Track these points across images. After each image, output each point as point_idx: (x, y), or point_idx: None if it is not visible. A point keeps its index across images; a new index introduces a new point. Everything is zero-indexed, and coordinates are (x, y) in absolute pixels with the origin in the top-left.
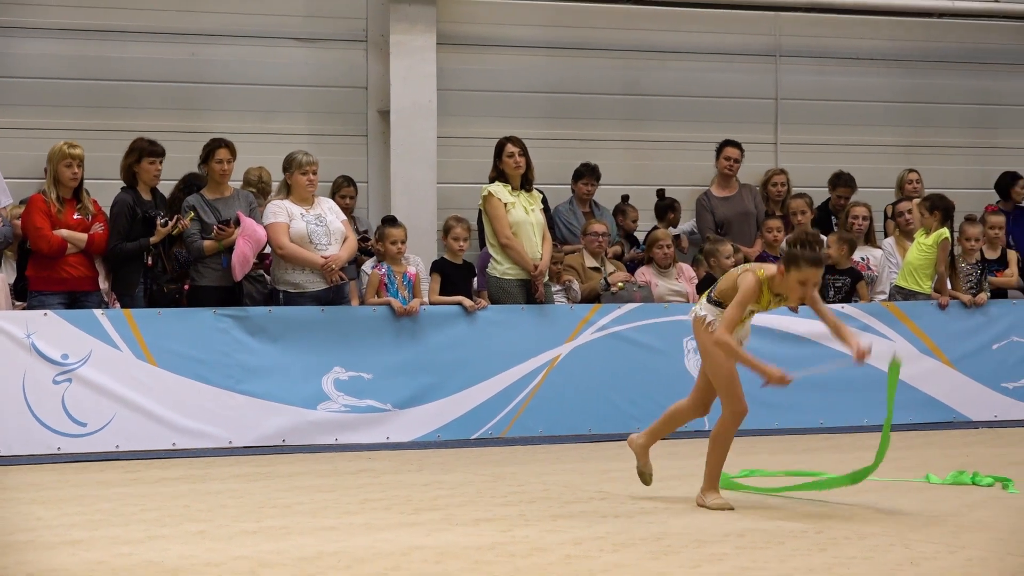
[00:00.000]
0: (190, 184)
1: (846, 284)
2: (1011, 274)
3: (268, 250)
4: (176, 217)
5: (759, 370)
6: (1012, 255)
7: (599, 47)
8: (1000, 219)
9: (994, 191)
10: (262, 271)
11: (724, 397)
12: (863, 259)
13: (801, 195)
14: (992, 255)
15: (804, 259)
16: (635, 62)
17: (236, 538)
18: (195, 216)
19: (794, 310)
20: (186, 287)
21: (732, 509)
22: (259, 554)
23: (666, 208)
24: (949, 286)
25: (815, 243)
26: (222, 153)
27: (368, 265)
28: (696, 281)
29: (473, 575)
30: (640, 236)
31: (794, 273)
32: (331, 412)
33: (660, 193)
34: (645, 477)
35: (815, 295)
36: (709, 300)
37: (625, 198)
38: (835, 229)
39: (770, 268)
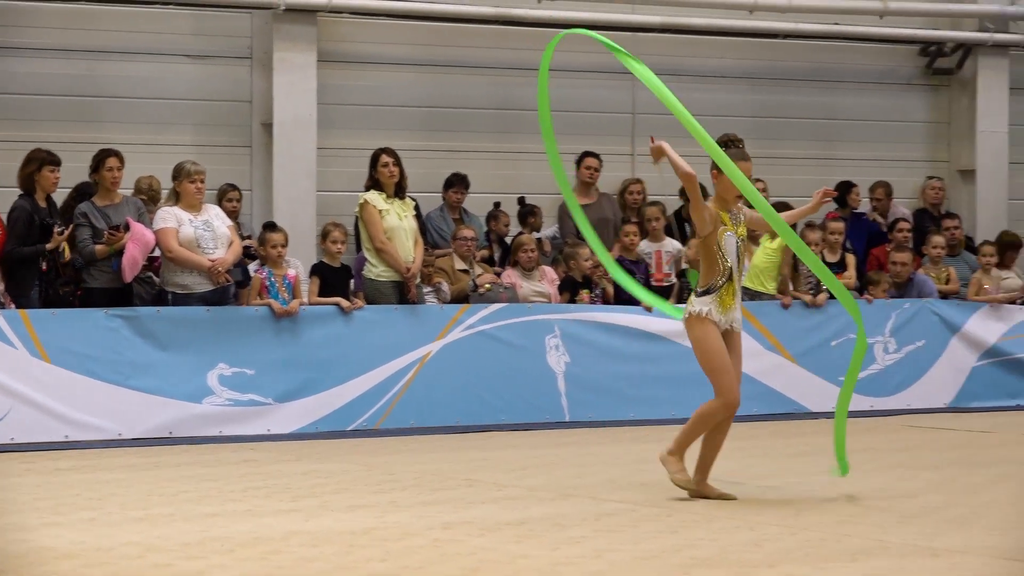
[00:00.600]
0: (82, 192)
1: None
2: (849, 276)
3: (157, 253)
4: (72, 226)
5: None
6: (850, 258)
7: (469, 65)
8: (839, 225)
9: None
10: (151, 273)
11: (716, 387)
12: None
13: (655, 203)
14: (832, 258)
15: (734, 157)
16: (503, 79)
17: (125, 525)
18: (85, 223)
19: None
20: (79, 292)
21: (693, 490)
22: (147, 539)
23: (526, 214)
24: (791, 287)
25: (739, 141)
26: (111, 162)
27: (252, 267)
28: (557, 282)
29: (348, 558)
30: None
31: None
32: (215, 406)
33: (521, 200)
34: (727, 497)
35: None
36: (697, 295)
37: (497, 205)
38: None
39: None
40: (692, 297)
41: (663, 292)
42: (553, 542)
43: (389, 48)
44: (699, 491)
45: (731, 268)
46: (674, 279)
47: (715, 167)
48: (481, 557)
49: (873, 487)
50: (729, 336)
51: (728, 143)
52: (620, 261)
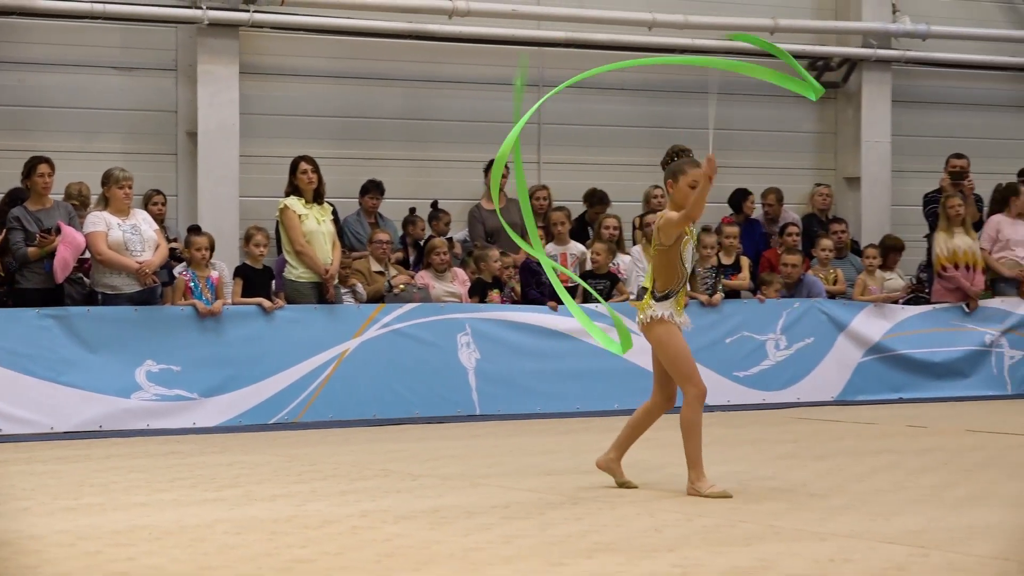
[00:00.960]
0: (15, 198)
1: (607, 287)
2: (743, 278)
3: (87, 255)
4: (5, 230)
5: (705, 184)
6: (744, 260)
7: (384, 77)
8: (734, 229)
9: (727, 205)
10: (82, 274)
11: (682, 382)
12: (615, 264)
13: (560, 208)
14: (727, 261)
15: (687, 164)
16: (416, 90)
17: (57, 514)
18: (18, 227)
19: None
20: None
21: (730, 496)
22: (78, 528)
23: (432, 218)
24: (688, 288)
25: (687, 150)
26: (43, 168)
27: (177, 270)
28: (468, 284)
29: (270, 545)
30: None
31: (683, 179)
32: (143, 401)
33: (434, 204)
34: (629, 486)
35: None
36: (656, 299)
37: (412, 210)
38: (590, 238)
39: (667, 212)
40: (650, 301)
41: (569, 291)
42: (465, 529)
43: (308, 61)
44: (608, 468)
45: (687, 274)
46: (578, 280)
47: (670, 177)
48: (396, 543)
49: (765, 476)
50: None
51: (679, 153)
52: (527, 263)
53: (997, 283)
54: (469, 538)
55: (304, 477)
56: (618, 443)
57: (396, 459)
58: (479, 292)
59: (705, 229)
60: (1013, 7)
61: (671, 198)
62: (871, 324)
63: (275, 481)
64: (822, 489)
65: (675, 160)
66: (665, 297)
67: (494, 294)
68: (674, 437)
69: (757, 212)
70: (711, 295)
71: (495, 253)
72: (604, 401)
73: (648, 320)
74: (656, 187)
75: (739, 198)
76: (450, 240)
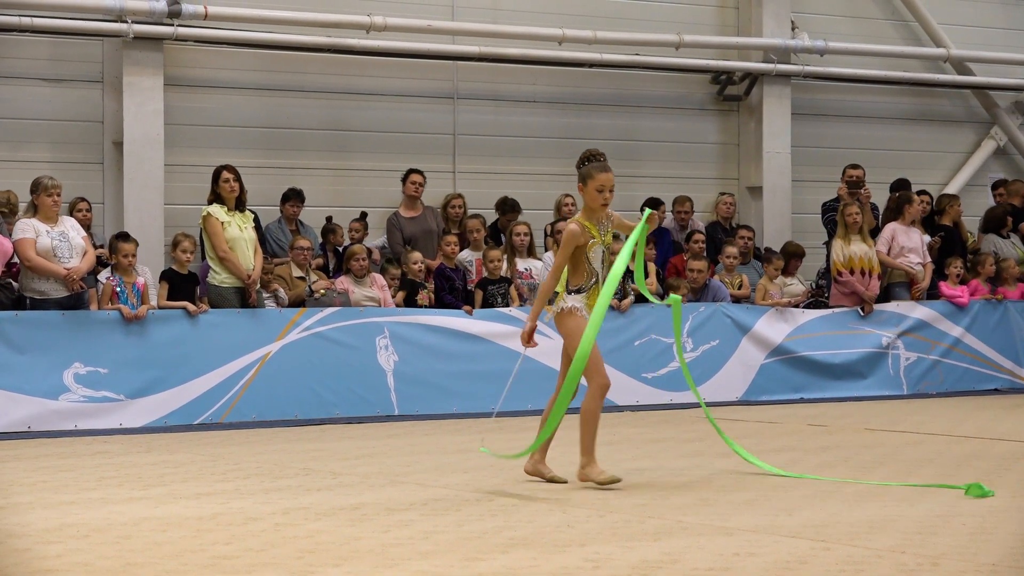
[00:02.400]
0: None
1: (505, 289)
2: (651, 282)
3: (16, 261)
4: None
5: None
6: (651, 266)
7: (306, 89)
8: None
9: (639, 213)
10: (10, 280)
11: (587, 373)
12: (526, 269)
13: (476, 216)
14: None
15: (595, 169)
16: (337, 102)
17: None
18: None
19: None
20: None
21: (619, 480)
22: (7, 526)
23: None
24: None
25: (600, 155)
26: None
27: (103, 275)
28: (387, 289)
29: (195, 542)
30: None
31: (591, 183)
32: (71, 402)
33: (363, 215)
34: (557, 480)
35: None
36: (568, 292)
37: (329, 219)
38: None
39: (565, 224)
40: (563, 294)
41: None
42: (384, 525)
43: (231, 73)
44: (535, 471)
45: (598, 273)
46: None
47: (580, 180)
48: (318, 539)
49: (672, 473)
50: None
51: (590, 157)
52: (442, 269)
53: (892, 288)
54: (388, 534)
55: (228, 476)
56: (541, 448)
57: (317, 458)
58: (408, 290)
59: (616, 236)
60: (906, 24)
61: (585, 207)
62: (773, 327)
63: (200, 480)
64: (727, 485)
65: (587, 163)
66: (577, 291)
67: (424, 293)
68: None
69: (668, 220)
70: (620, 299)
71: (417, 255)
72: (518, 402)
73: (559, 311)
74: (567, 195)
75: (651, 207)
76: (368, 251)
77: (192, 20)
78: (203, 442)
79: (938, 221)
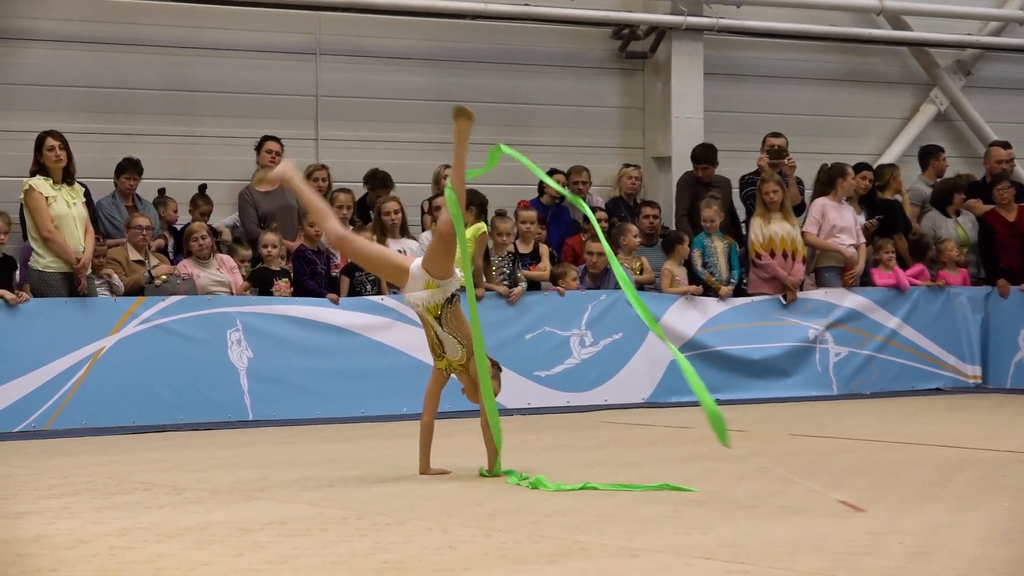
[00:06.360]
0: None
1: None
2: (543, 268)
3: None
4: None
5: None
6: (544, 249)
7: (142, 43)
8: (531, 214)
9: (535, 188)
10: None
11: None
12: (400, 251)
13: (342, 190)
14: (525, 249)
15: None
16: (179, 58)
17: None
18: None
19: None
20: None
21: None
22: None
23: (196, 200)
24: (484, 279)
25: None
26: None
27: None
28: (237, 270)
29: (14, 569)
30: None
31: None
32: None
33: (201, 188)
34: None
35: None
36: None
37: (162, 191)
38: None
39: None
40: (432, 285)
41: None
42: (236, 547)
43: (56, 24)
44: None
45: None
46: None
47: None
48: (160, 564)
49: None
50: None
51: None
52: (302, 251)
53: (821, 273)
54: (242, 558)
55: (54, 492)
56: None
57: (158, 470)
58: (260, 282)
59: (500, 213)
60: None
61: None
62: (684, 318)
63: (21, 497)
64: (632, 500)
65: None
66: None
67: (282, 283)
68: (460, 443)
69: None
70: (511, 287)
71: (272, 237)
72: (391, 404)
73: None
74: (446, 166)
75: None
76: (212, 229)
77: None
78: (24, 453)
79: (880, 196)
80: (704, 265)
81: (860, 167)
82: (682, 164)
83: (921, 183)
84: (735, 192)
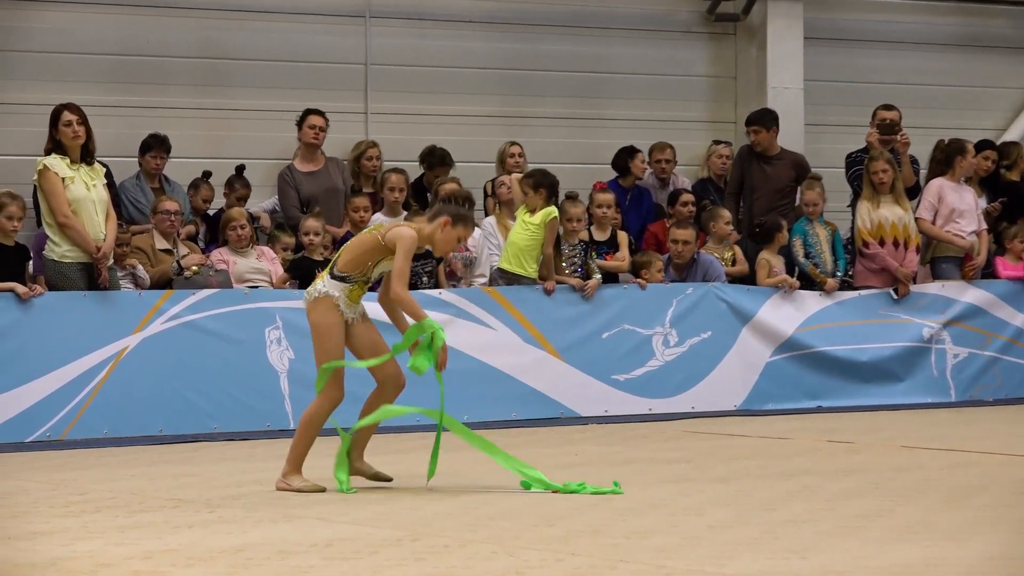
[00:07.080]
0: None
1: (433, 267)
2: (621, 257)
3: None
4: None
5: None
6: (623, 237)
7: (171, 4)
8: (608, 197)
9: (610, 167)
10: None
11: (322, 382)
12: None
13: (396, 170)
14: (601, 236)
15: (469, 220)
16: (211, 21)
17: None
18: None
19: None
20: None
21: (323, 490)
22: None
23: (233, 183)
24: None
25: (470, 202)
26: None
27: None
28: (278, 260)
29: None
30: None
31: (460, 229)
32: None
33: (239, 168)
34: (382, 477)
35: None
36: (333, 276)
37: (207, 174)
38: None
39: (405, 228)
40: (325, 275)
41: None
42: (276, 572)
43: None
44: (358, 472)
45: (370, 279)
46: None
47: (450, 219)
48: None
49: (651, 504)
50: (358, 325)
51: (464, 200)
52: (348, 237)
53: (937, 264)
54: None
55: (72, 509)
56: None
57: (188, 486)
58: (300, 273)
59: (570, 196)
60: None
61: (432, 235)
62: (780, 315)
63: (35, 515)
64: (723, 519)
65: (466, 206)
66: (343, 279)
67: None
68: (534, 455)
69: (646, 175)
70: (584, 279)
71: (315, 223)
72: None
73: (316, 295)
74: (513, 143)
75: (624, 157)
76: (250, 215)
77: None
78: (38, 465)
79: (1004, 177)
80: (807, 256)
81: (982, 144)
82: (780, 140)
83: None
84: (838, 172)
